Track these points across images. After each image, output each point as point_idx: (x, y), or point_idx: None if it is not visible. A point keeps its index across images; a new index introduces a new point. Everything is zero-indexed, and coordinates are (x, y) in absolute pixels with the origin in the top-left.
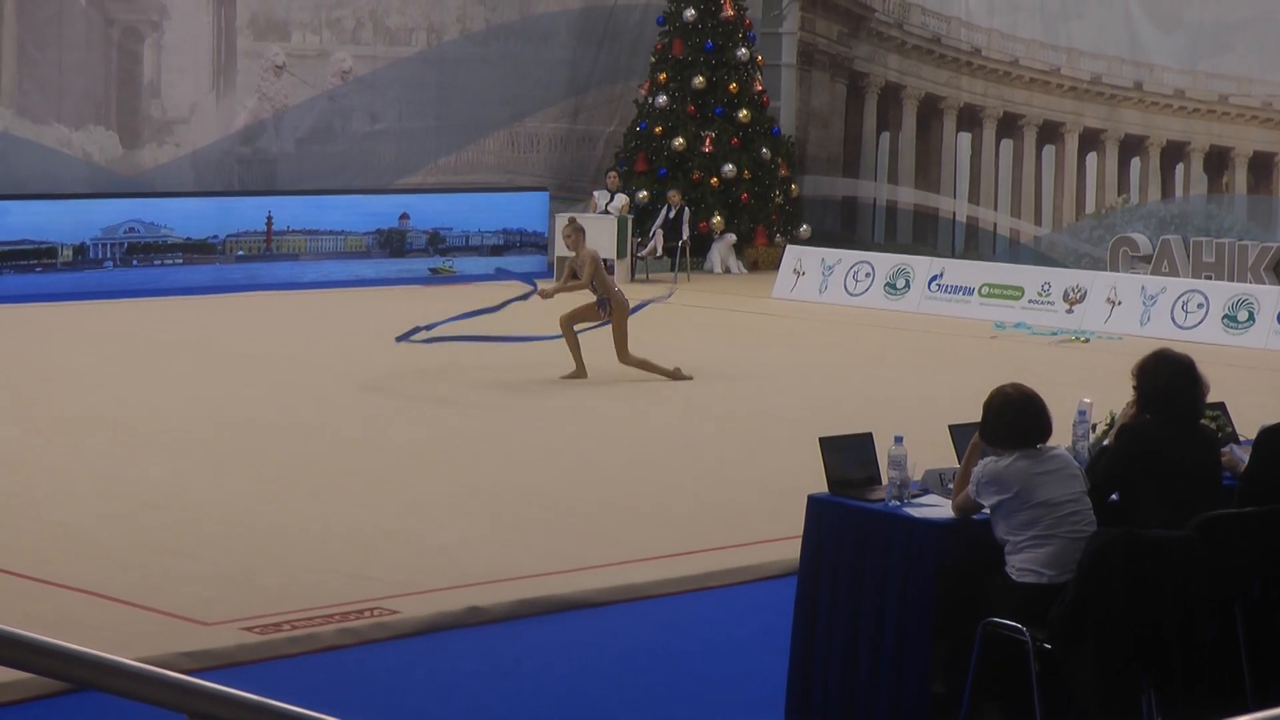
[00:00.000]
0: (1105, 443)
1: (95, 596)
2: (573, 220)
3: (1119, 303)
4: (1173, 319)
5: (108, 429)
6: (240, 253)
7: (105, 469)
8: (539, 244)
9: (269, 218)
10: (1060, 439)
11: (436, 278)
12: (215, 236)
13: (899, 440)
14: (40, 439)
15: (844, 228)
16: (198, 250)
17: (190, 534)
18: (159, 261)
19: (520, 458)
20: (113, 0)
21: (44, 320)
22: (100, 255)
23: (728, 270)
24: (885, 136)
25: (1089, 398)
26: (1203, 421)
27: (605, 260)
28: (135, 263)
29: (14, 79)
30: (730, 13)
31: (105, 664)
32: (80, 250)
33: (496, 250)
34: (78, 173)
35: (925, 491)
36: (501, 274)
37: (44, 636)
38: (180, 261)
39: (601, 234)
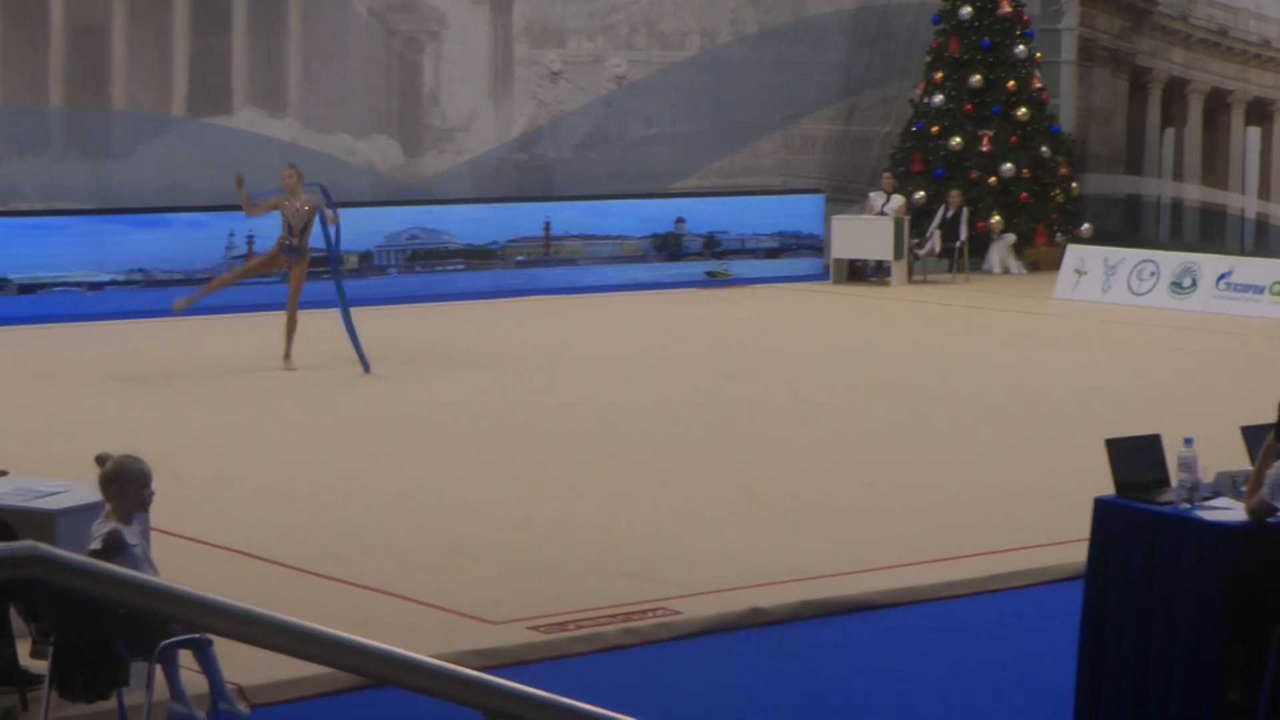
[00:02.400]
0: None
1: (387, 595)
2: (294, 165)
3: None
4: None
5: (396, 432)
6: (519, 258)
7: (394, 472)
8: (815, 246)
9: (547, 223)
10: None
11: (712, 281)
12: (495, 242)
13: (1188, 442)
14: (331, 443)
15: (1127, 226)
16: (477, 256)
17: (476, 535)
18: (440, 268)
19: (799, 461)
20: (393, 12)
21: (332, 326)
22: (384, 262)
23: (1007, 271)
24: (1169, 132)
25: None
26: None
27: (871, 261)
28: (417, 269)
29: (300, 92)
30: (1008, 9)
31: (404, 660)
32: (365, 257)
33: (772, 253)
34: (362, 181)
35: (1216, 494)
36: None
37: (342, 633)
38: (461, 267)
39: (878, 235)
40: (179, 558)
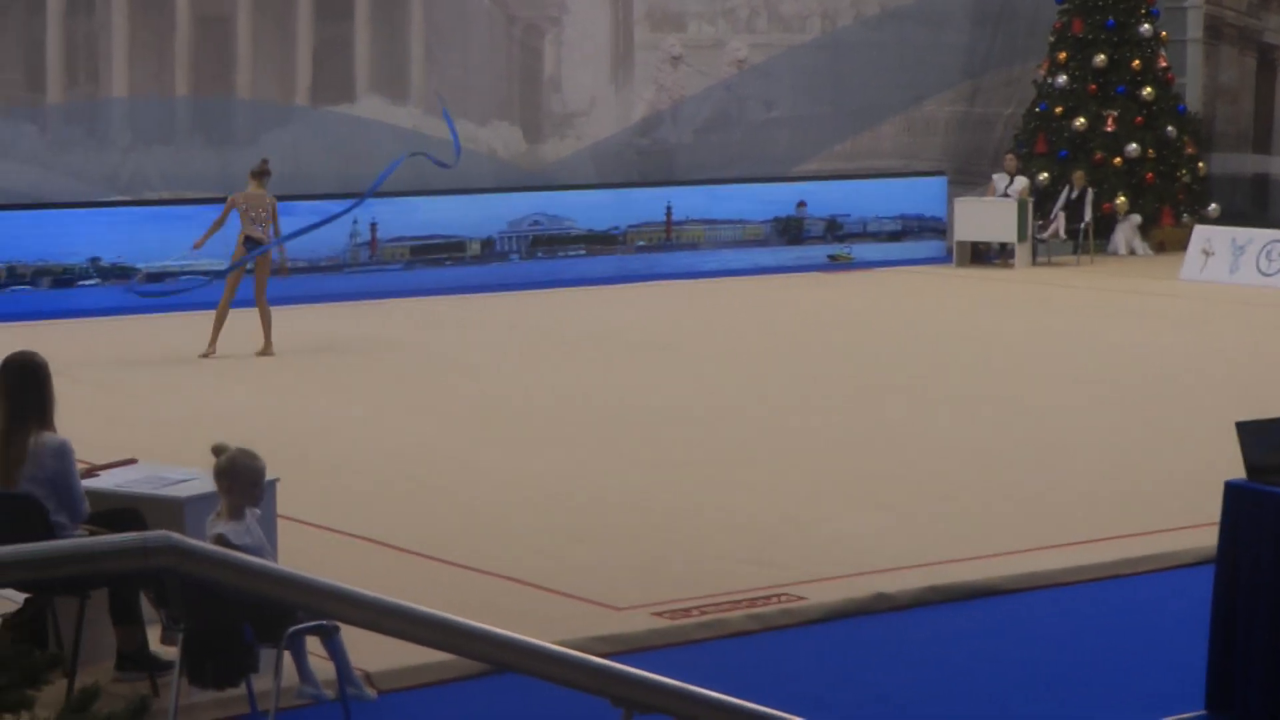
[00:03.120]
0: None
1: (511, 581)
2: (266, 160)
3: None
4: None
5: (519, 418)
6: (640, 243)
7: (517, 457)
8: (938, 229)
9: (668, 208)
10: None
11: (835, 265)
12: (616, 228)
13: None
14: (454, 429)
15: (1255, 206)
16: (599, 241)
17: (600, 521)
18: (562, 253)
19: (921, 445)
20: None
21: (455, 313)
22: (506, 248)
23: (1132, 252)
24: None
25: None
26: None
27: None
28: (540, 255)
29: (422, 79)
30: None
31: (528, 648)
32: (487, 244)
33: (894, 236)
34: (484, 168)
35: None
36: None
37: (468, 620)
38: (582, 253)
39: (1001, 217)
40: (304, 544)
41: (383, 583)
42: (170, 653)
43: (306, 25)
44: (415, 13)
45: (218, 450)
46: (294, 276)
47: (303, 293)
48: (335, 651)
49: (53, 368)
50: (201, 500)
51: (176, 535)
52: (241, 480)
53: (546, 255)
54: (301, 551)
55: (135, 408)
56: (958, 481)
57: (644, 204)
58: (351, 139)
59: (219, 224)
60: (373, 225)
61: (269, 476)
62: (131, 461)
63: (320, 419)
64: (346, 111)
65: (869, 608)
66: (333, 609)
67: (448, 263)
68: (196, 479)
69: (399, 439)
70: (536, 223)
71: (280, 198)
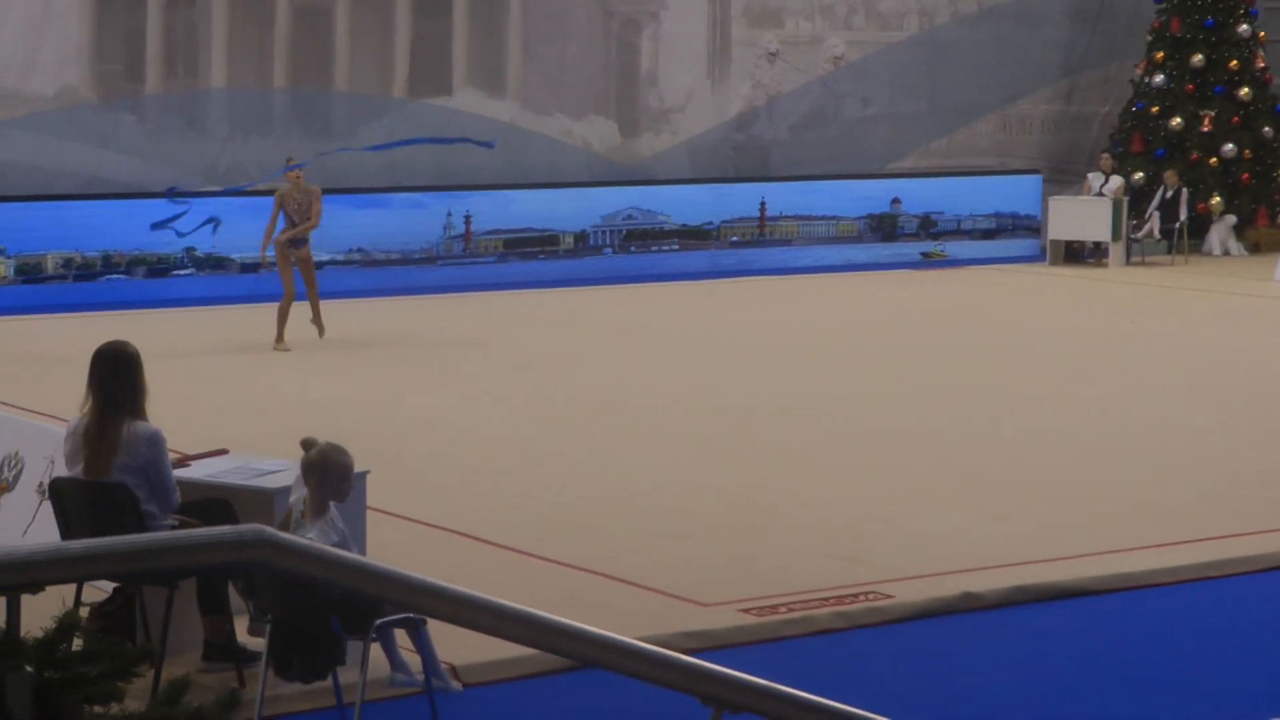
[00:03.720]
0: None
1: (598, 576)
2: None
3: None
4: None
5: (608, 413)
6: (734, 239)
7: (605, 453)
8: (1032, 227)
9: (762, 203)
10: None
11: (928, 262)
12: (710, 223)
13: None
14: (544, 423)
15: None
16: (693, 236)
17: (687, 517)
18: (655, 248)
19: (1010, 444)
20: None
21: (547, 306)
22: (600, 242)
23: (1227, 252)
24: None
25: None
26: None
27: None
28: (633, 249)
29: (519, 72)
30: None
31: (614, 644)
32: (581, 238)
33: (989, 234)
34: (578, 162)
35: None
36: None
37: (553, 615)
38: (676, 248)
39: (1096, 216)
40: (395, 537)
41: (470, 576)
42: (257, 644)
43: (405, 19)
44: (513, 7)
45: (307, 445)
46: (388, 268)
47: (396, 285)
48: (422, 645)
49: (145, 358)
50: (292, 491)
51: (270, 529)
52: (331, 475)
53: (640, 250)
54: (390, 544)
55: (227, 398)
56: (1046, 481)
57: (738, 199)
58: (448, 132)
59: (272, 226)
60: (467, 218)
61: (359, 469)
62: (223, 452)
63: (411, 411)
64: (444, 104)
65: (956, 607)
66: (421, 603)
67: (541, 256)
68: (287, 469)
69: (489, 432)
70: (630, 217)
71: (375, 190)
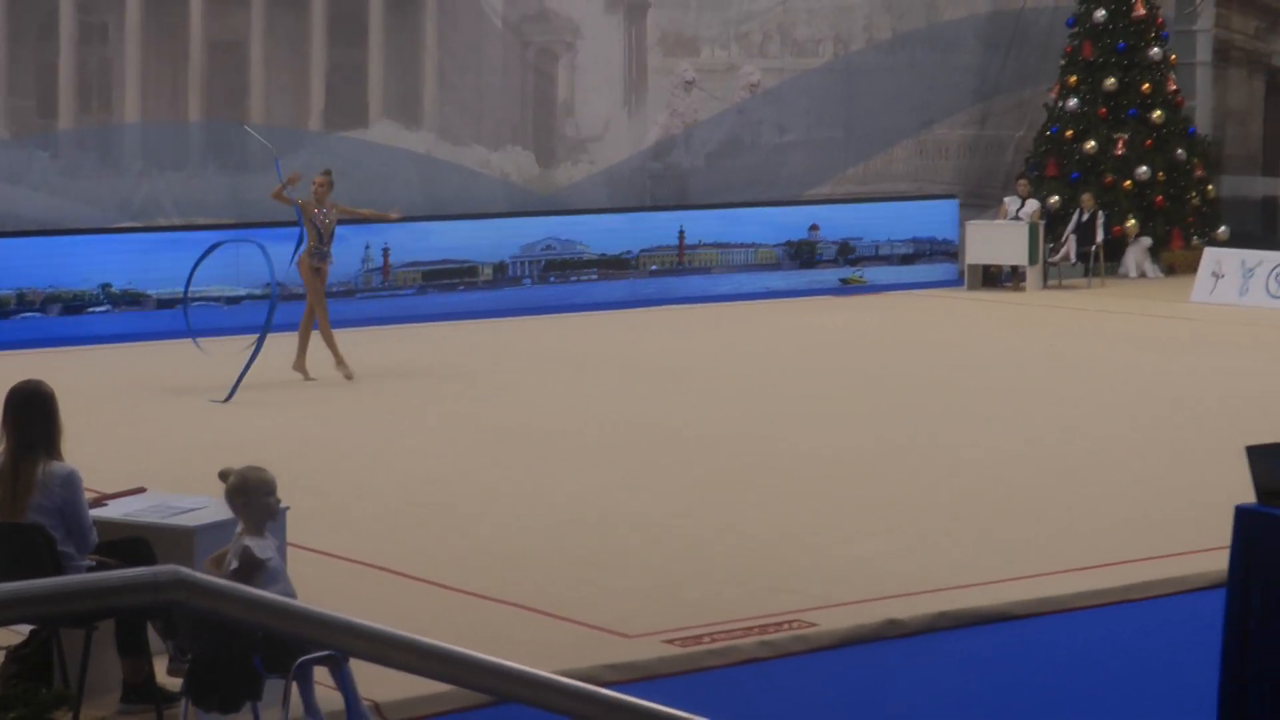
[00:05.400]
0: None
1: (521, 608)
2: (328, 172)
3: None
4: None
5: (530, 444)
6: (653, 267)
7: (528, 483)
8: (950, 252)
9: (681, 232)
10: None
11: (847, 288)
12: (629, 252)
13: None
14: (466, 455)
15: (1264, 228)
16: (612, 266)
17: (610, 547)
18: (575, 277)
19: (933, 469)
20: (528, 23)
21: (467, 337)
22: (519, 273)
23: (1143, 274)
24: None
25: None
26: None
27: (1006, 266)
28: (552, 279)
29: (435, 103)
30: (1142, 12)
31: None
32: (500, 268)
33: (906, 259)
34: (496, 192)
35: None
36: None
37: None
38: (595, 277)
39: (1013, 240)
40: (317, 573)
41: (392, 611)
42: (177, 685)
43: (320, 50)
44: (429, 38)
45: (225, 475)
46: (304, 302)
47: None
48: (344, 683)
49: (61, 396)
50: (211, 529)
51: (186, 570)
52: (256, 493)
53: (559, 279)
54: (311, 580)
55: (145, 436)
56: (970, 506)
57: (657, 228)
58: (364, 164)
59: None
60: (385, 250)
61: (280, 505)
62: (140, 490)
63: (331, 445)
64: (360, 136)
65: (880, 634)
66: (340, 642)
67: (460, 287)
68: (206, 507)
69: (411, 465)
70: (549, 247)
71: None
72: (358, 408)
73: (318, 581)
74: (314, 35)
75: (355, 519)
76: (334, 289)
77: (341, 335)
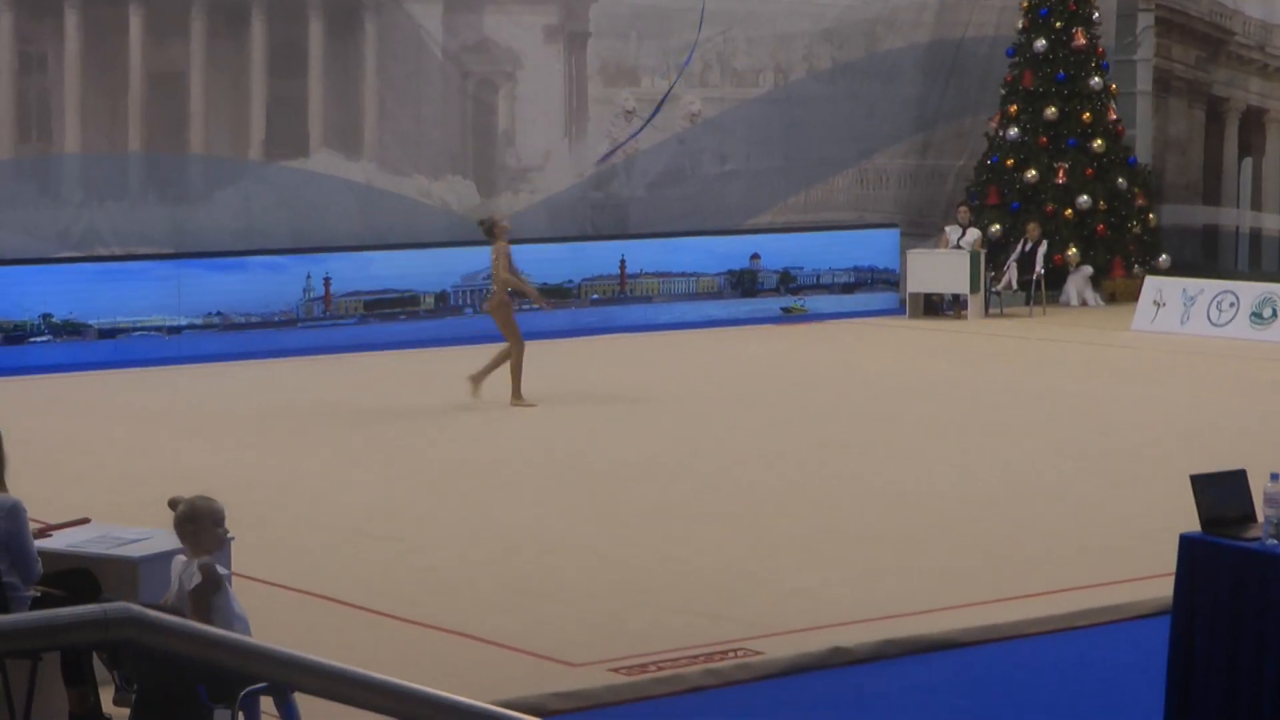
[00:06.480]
0: None
1: (466, 638)
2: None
3: None
4: None
5: (473, 473)
6: (595, 296)
7: (472, 513)
8: (891, 281)
9: (622, 261)
10: None
11: (789, 317)
12: (570, 281)
13: (1275, 477)
14: (409, 485)
15: (1205, 257)
16: (553, 295)
17: (557, 577)
18: (518, 307)
19: (878, 498)
20: (468, 53)
21: (409, 367)
22: (461, 302)
23: (1084, 303)
24: (1247, 161)
25: None
26: None
27: (947, 295)
28: None
29: (375, 133)
30: (1082, 41)
31: (477, 712)
32: (442, 298)
33: (848, 288)
34: (437, 222)
35: None
36: None
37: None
38: (537, 306)
39: (954, 269)
40: (261, 603)
41: (338, 642)
42: (123, 714)
43: (260, 81)
44: (369, 68)
45: (174, 503)
46: (247, 332)
47: (256, 348)
48: (289, 713)
49: (3, 426)
50: (158, 560)
51: (136, 607)
52: (204, 522)
53: None
54: (256, 611)
55: (89, 466)
56: (914, 534)
57: (598, 257)
58: (305, 194)
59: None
60: (326, 280)
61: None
62: (85, 521)
63: (275, 476)
64: (300, 167)
65: (825, 661)
66: (287, 677)
67: (402, 317)
68: (151, 538)
69: (354, 495)
70: (490, 276)
71: (232, 254)
72: (298, 438)
73: (262, 613)
74: (254, 66)
75: (298, 549)
76: (275, 319)
77: (284, 365)
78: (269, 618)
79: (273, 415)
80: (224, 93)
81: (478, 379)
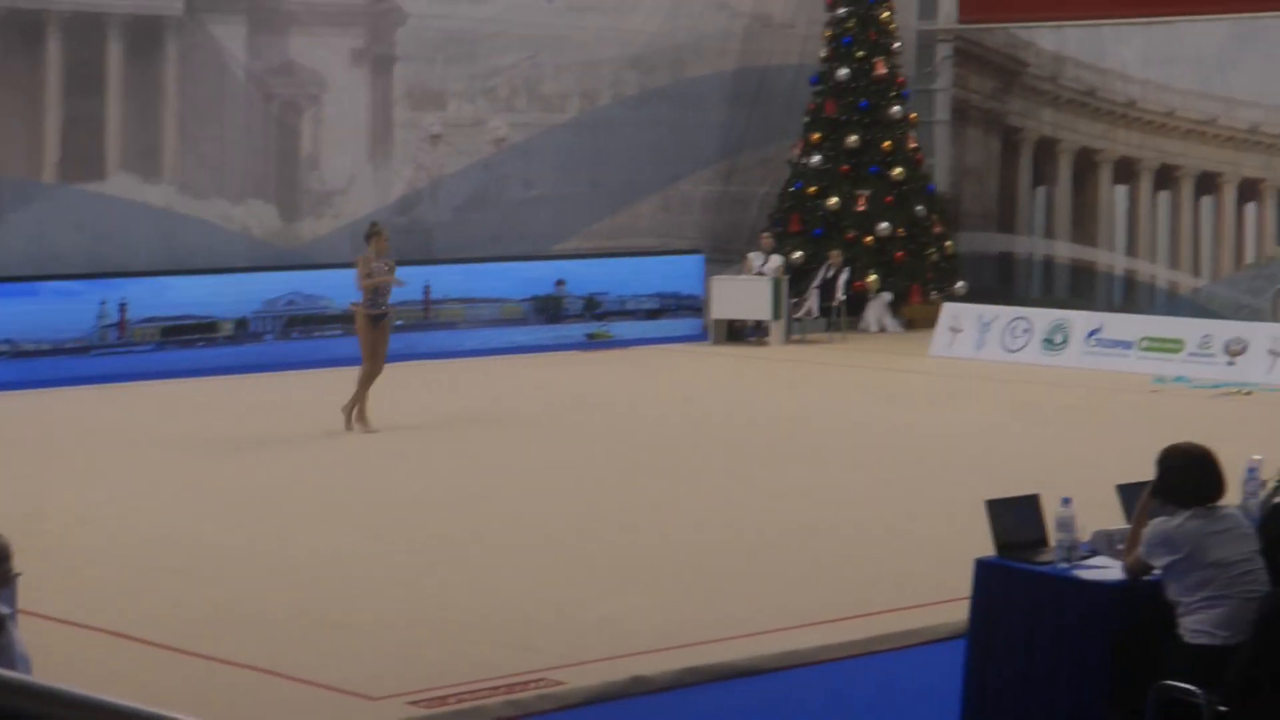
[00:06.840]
0: (1276, 500)
1: (263, 673)
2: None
3: None
4: None
5: (270, 503)
6: (399, 322)
7: (268, 544)
8: (695, 307)
9: (426, 287)
10: (1228, 497)
11: (594, 343)
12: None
13: (1066, 502)
14: (203, 515)
15: (1001, 283)
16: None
17: (354, 608)
18: (319, 333)
19: (679, 525)
20: (272, 76)
21: (207, 394)
22: (261, 329)
23: (883, 329)
24: (1041, 191)
25: (1259, 454)
26: None
27: (750, 321)
28: (295, 335)
29: (176, 155)
30: (883, 71)
31: None
32: (241, 324)
33: (653, 314)
34: (238, 247)
35: (1094, 553)
36: None
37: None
38: (339, 333)
39: (756, 295)
40: (49, 641)
41: (130, 679)
42: None
43: (55, 99)
44: (169, 89)
45: None
46: (39, 359)
47: (48, 376)
48: None
49: None
50: None
51: None
52: None
53: (302, 335)
54: (44, 648)
55: None
56: (714, 562)
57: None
58: (101, 218)
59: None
60: (122, 305)
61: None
62: None
63: (64, 508)
64: (97, 189)
65: (628, 690)
66: (61, 715)
67: (200, 344)
68: None
69: (146, 527)
70: (292, 302)
71: (23, 279)
72: (90, 469)
73: (49, 650)
74: (49, 84)
75: (90, 584)
76: (67, 345)
77: (78, 393)
78: (57, 655)
79: (65, 445)
80: (15, 110)
81: (349, 409)
